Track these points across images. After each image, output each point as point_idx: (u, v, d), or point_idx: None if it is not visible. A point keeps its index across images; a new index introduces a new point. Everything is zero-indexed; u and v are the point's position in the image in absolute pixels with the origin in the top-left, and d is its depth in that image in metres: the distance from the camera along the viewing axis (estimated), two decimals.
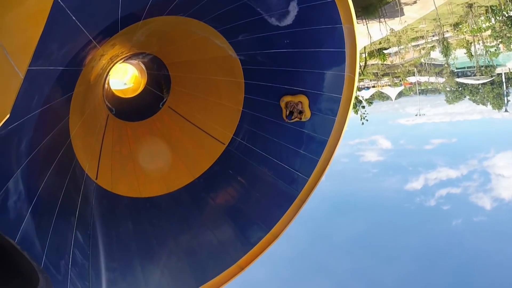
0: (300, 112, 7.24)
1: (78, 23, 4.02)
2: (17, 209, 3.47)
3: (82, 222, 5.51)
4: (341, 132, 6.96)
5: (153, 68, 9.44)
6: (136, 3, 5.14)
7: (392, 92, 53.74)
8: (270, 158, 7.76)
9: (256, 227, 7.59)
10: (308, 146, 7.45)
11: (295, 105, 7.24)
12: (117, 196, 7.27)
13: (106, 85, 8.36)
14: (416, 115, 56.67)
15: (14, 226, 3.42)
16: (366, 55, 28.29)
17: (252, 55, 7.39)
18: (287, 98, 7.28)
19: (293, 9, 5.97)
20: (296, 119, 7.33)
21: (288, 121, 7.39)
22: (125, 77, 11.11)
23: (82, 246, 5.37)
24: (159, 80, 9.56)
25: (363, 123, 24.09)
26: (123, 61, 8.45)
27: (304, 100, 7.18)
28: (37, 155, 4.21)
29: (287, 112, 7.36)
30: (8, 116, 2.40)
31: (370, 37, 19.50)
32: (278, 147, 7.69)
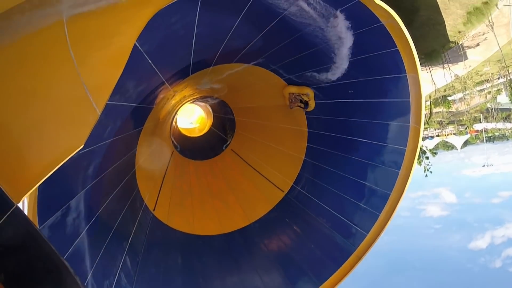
0: (302, 102, 7.38)
1: (153, 66, 4.54)
2: (74, 226, 3.77)
3: (133, 248, 5.73)
4: (405, 187, 6.52)
5: (220, 111, 10.01)
6: (208, 51, 5.64)
7: (458, 141, 49.72)
8: (329, 210, 7.46)
9: (307, 278, 7.23)
10: (370, 199, 7.03)
11: (297, 96, 7.33)
12: (172, 230, 7.49)
13: (173, 123, 9.05)
14: (483, 165, 51.08)
15: (68, 241, 3.70)
16: (431, 103, 26.71)
17: (316, 104, 7.45)
18: (292, 89, 7.27)
19: (356, 58, 5.97)
20: (297, 107, 7.51)
21: (290, 108, 7.59)
22: (192, 117, 11.94)
23: (129, 271, 5.54)
24: (224, 123, 10.07)
25: (426, 175, 22.46)
26: (191, 102, 9.14)
27: (310, 92, 7.20)
28: (102, 179, 4.63)
29: (291, 101, 7.52)
30: (81, 147, 2.65)
31: (434, 84, 18.50)
32: (338, 198, 7.37)
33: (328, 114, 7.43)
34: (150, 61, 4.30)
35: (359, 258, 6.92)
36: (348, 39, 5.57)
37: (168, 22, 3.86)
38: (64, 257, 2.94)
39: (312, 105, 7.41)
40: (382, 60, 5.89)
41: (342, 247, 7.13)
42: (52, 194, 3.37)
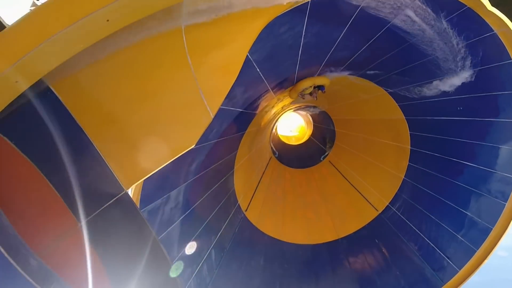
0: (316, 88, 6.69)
1: (261, 75, 4.72)
2: (171, 214, 4.18)
3: (220, 243, 6.08)
4: (510, 222, 5.60)
5: (320, 122, 9.89)
6: (313, 61, 5.60)
7: None
8: (422, 237, 6.70)
9: None
10: (468, 231, 6.13)
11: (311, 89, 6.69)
12: (260, 232, 7.69)
13: (274, 130, 9.28)
14: None
15: (162, 226, 4.11)
16: None
17: (421, 121, 6.74)
18: (306, 84, 6.45)
19: (465, 72, 5.20)
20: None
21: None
22: (292, 125, 12.04)
23: (212, 263, 5.90)
24: (324, 134, 9.92)
25: None
26: (293, 111, 9.22)
27: (326, 81, 6.55)
28: (203, 176, 5.02)
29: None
30: (193, 146, 2.90)
31: None
32: (435, 226, 6.57)
33: (433, 132, 6.66)
34: (258, 70, 4.46)
35: None
36: (456, 51, 5.00)
37: (277, 32, 3.95)
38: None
39: (327, 82, 6.73)
40: (494, 74, 5.11)
41: (429, 280, 6.45)
42: (156, 183, 3.78)
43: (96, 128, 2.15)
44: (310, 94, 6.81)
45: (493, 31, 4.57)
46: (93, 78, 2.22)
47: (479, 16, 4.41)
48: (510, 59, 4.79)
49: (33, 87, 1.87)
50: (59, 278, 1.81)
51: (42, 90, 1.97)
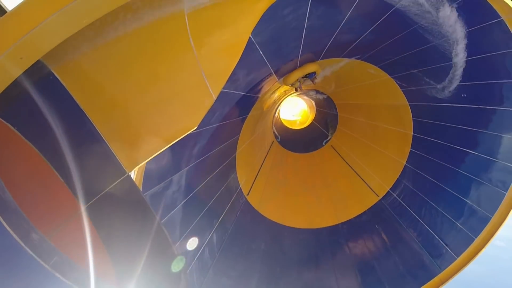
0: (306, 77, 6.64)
1: (264, 57, 4.65)
2: (173, 198, 4.21)
3: (222, 227, 6.14)
4: (509, 212, 5.60)
5: (323, 106, 9.82)
6: (317, 44, 5.50)
7: None
8: (422, 224, 6.75)
9: None
10: (468, 220, 6.17)
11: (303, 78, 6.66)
12: (261, 216, 7.76)
13: (276, 114, 9.23)
14: None
15: (165, 210, 4.15)
16: None
17: (424, 107, 6.67)
18: (295, 77, 6.48)
19: (470, 58, 5.12)
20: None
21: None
22: (294, 110, 11.98)
23: (214, 247, 5.97)
24: (326, 119, 9.87)
25: None
26: (296, 95, 9.14)
27: (317, 68, 6.47)
28: (205, 160, 5.03)
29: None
30: (195, 128, 2.90)
31: None
32: (434, 213, 6.61)
33: (436, 119, 6.61)
34: (261, 52, 4.40)
35: (442, 283, 6.27)
36: (462, 37, 4.88)
37: (280, 14, 3.87)
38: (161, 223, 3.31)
39: (316, 68, 6.61)
40: (498, 62, 5.01)
41: (428, 266, 6.50)
42: (158, 167, 3.80)
43: (98, 111, 2.14)
44: (299, 83, 6.80)
45: (501, 17, 4.44)
46: (95, 62, 2.20)
47: (487, 1, 4.28)
48: None
49: (35, 71, 1.84)
50: (60, 253, 1.84)
51: (44, 74, 1.95)
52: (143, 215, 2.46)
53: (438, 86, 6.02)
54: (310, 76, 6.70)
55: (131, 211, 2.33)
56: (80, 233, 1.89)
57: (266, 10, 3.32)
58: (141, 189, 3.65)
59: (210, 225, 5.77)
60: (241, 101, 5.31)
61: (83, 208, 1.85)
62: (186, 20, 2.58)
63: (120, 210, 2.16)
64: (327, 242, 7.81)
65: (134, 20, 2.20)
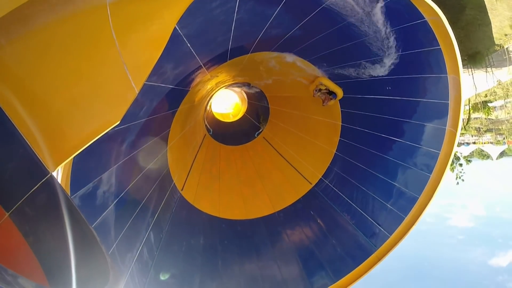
0: (330, 93, 7.42)
1: (192, 50, 4.61)
2: (104, 198, 3.99)
3: (158, 225, 5.97)
4: (434, 192, 6.33)
5: (255, 99, 10.03)
6: (246, 38, 5.62)
7: (494, 150, 45.61)
8: (355, 207, 7.37)
9: (324, 274, 7.19)
10: (397, 201, 6.88)
11: (325, 90, 7.45)
12: (197, 211, 7.69)
13: (208, 107, 9.19)
14: None
15: (97, 212, 3.93)
16: (470, 107, 25.02)
17: (352, 99, 7.28)
18: (325, 82, 7.25)
19: (397, 54, 5.75)
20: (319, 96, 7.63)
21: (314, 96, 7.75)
22: (226, 102, 12.04)
23: (152, 246, 5.80)
24: (258, 111, 10.10)
25: (458, 183, 21.52)
26: (227, 88, 9.21)
27: (340, 92, 7.31)
28: (134, 156, 4.83)
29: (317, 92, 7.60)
30: (117, 123, 2.78)
31: (475, 88, 17.23)
32: (365, 197, 7.28)
33: (363, 109, 7.24)
34: (189, 45, 4.35)
35: (378, 259, 6.87)
36: (389, 34, 5.40)
37: (208, 7, 3.87)
38: (92, 226, 3.14)
39: (340, 94, 7.35)
40: (423, 58, 5.66)
41: (364, 246, 7.08)
42: (86, 166, 3.57)
43: (17, 107, 1.95)
44: (324, 95, 7.30)
45: (424, 18, 4.95)
46: (13, 55, 1.99)
47: (412, 3, 4.74)
48: (438, 46, 5.27)
49: None
50: None
51: None
52: (71, 219, 2.32)
53: (367, 78, 6.61)
54: (334, 95, 7.29)
55: (58, 215, 2.18)
56: (6, 240, 1.73)
57: (193, 2, 3.30)
58: (69, 191, 3.40)
59: (145, 223, 5.57)
60: (170, 94, 5.19)
61: (6, 215, 1.69)
62: (108, 11, 2.46)
63: (46, 214, 2.01)
64: (265, 231, 8.05)
65: (54, 10, 2.04)
